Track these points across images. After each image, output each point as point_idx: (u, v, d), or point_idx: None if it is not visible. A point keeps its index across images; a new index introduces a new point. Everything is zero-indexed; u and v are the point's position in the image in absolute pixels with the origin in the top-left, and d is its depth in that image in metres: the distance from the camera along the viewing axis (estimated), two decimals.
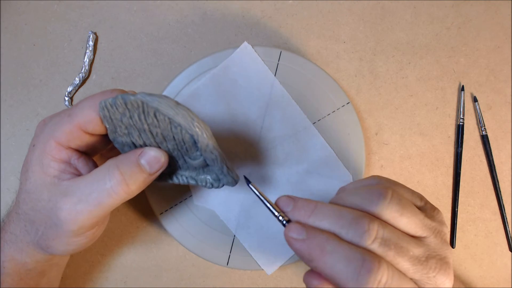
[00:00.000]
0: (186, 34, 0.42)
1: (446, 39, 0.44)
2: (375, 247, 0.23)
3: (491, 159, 0.42)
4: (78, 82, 0.41)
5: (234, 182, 0.30)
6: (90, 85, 0.42)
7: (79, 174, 0.28)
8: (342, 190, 0.29)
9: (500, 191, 0.42)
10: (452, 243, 0.42)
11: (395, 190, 0.25)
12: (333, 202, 0.27)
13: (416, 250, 0.24)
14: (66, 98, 0.41)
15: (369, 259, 0.22)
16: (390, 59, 0.43)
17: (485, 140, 0.43)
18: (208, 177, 0.30)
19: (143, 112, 0.26)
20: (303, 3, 0.43)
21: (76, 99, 0.42)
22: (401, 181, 0.42)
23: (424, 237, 0.25)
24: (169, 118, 0.25)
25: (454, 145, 0.43)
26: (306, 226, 0.25)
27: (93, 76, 0.42)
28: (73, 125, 0.27)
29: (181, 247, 0.41)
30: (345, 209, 0.25)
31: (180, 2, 0.43)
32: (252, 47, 0.38)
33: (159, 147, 0.28)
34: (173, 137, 0.27)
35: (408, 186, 0.42)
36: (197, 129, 0.26)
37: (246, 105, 0.39)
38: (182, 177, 0.31)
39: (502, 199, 0.42)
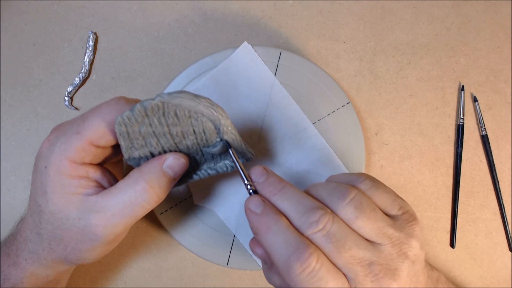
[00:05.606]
0: (186, 34, 0.42)
1: (446, 39, 0.44)
2: (316, 237, 0.25)
3: (491, 159, 0.42)
4: (78, 82, 0.41)
5: (252, 157, 0.32)
6: (90, 85, 0.42)
7: (100, 186, 0.28)
8: (328, 178, 0.30)
9: (500, 191, 0.42)
10: (452, 243, 0.42)
11: (360, 193, 0.26)
12: (307, 189, 0.28)
13: (361, 252, 0.25)
14: (66, 98, 0.41)
15: (302, 247, 0.24)
16: (390, 59, 0.43)
17: (485, 140, 0.43)
18: (227, 161, 0.32)
19: (163, 114, 0.26)
20: (303, 3, 0.43)
21: (76, 99, 0.42)
22: (401, 181, 0.42)
23: (378, 244, 0.25)
24: (189, 111, 0.26)
25: (454, 145, 0.43)
26: (266, 202, 0.26)
27: (93, 76, 0.42)
28: (84, 141, 0.27)
29: (181, 247, 0.41)
30: (308, 198, 0.26)
31: (180, 2, 0.42)
32: (252, 47, 0.38)
33: (178, 148, 0.29)
34: (193, 130, 0.28)
35: (408, 186, 0.42)
36: (218, 114, 0.27)
37: (246, 105, 0.38)
38: (200, 171, 0.32)
39: (502, 199, 0.42)
